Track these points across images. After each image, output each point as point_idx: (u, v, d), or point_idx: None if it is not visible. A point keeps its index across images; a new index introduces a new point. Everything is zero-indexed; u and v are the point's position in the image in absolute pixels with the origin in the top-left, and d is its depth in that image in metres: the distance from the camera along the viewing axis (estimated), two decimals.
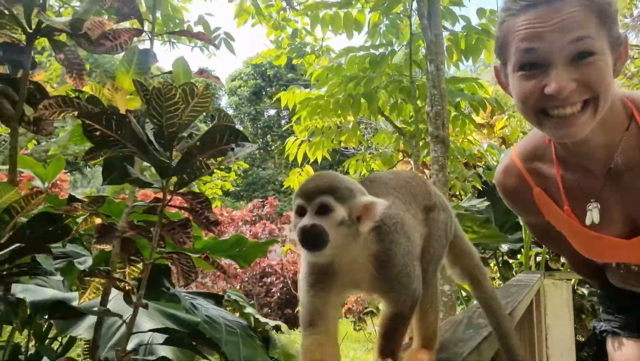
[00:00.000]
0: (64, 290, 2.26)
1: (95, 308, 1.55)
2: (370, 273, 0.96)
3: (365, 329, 6.92)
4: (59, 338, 2.25)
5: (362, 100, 3.73)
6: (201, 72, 1.88)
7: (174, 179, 1.29)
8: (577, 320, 4.62)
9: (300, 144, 4.75)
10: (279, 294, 8.49)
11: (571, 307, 3.46)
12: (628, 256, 1.18)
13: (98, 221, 1.47)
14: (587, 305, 5.07)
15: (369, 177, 1.19)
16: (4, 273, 1.37)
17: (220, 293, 2.75)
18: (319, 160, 4.96)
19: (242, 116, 26.12)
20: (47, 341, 2.14)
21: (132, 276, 1.60)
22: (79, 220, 1.49)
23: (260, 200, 10.64)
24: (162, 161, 1.22)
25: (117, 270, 1.61)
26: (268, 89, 26.63)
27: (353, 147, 5.59)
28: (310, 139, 4.66)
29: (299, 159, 4.85)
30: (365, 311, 7.28)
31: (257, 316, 2.83)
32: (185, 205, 1.50)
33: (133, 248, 1.59)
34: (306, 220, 0.89)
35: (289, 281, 8.71)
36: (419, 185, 1.17)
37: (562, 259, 4.74)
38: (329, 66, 4.16)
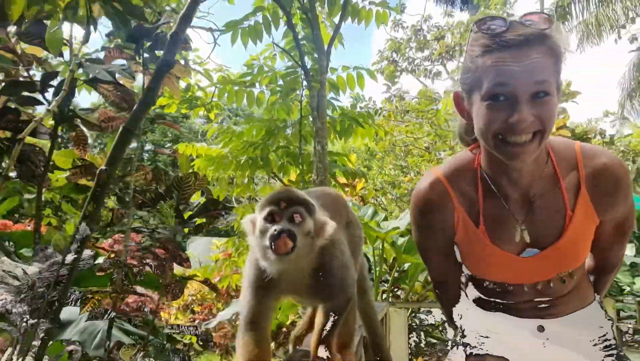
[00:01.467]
0: None
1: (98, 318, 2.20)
2: (309, 282, 1.06)
3: None
4: None
5: (259, 161, 4.63)
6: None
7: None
8: (413, 343, 5.87)
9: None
10: None
11: (406, 328, 4.63)
12: (524, 273, 1.25)
13: (112, 256, 2.13)
14: (420, 331, 6.41)
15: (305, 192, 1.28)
16: None
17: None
18: None
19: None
20: None
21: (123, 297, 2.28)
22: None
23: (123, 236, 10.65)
24: (178, 219, 1.99)
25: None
26: None
27: (242, 197, 6.42)
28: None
29: None
30: (232, 345, 7.84)
31: (175, 336, 3.47)
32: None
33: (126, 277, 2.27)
34: (280, 226, 0.96)
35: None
36: (342, 203, 1.31)
37: (402, 295, 6.01)
38: (227, 129, 5.01)
